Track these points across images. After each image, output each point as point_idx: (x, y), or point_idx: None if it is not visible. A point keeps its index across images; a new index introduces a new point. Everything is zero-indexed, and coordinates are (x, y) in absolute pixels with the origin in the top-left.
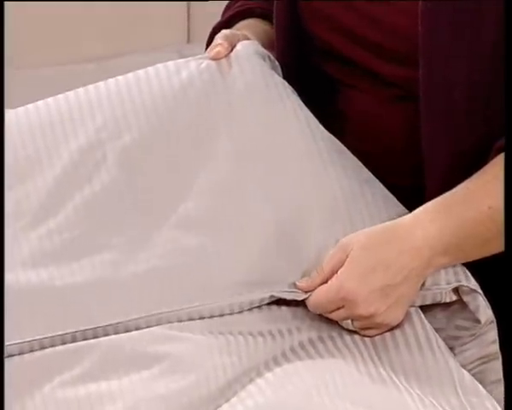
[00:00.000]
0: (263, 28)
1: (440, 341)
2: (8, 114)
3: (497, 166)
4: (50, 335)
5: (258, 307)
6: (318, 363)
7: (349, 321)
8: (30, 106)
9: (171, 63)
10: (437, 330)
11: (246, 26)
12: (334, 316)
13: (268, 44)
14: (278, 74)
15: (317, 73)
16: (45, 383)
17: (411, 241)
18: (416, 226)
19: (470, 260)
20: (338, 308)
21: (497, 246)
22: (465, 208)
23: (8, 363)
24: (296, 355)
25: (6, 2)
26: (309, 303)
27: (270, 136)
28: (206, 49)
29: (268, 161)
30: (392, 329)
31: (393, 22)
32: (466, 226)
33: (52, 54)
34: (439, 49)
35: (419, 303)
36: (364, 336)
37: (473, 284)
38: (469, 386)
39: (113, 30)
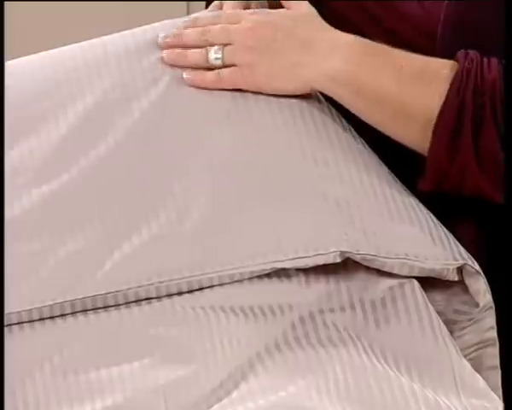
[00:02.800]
0: None
1: (443, 326)
2: (12, 63)
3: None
4: (48, 303)
5: (259, 276)
6: (320, 352)
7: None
8: (34, 57)
9: (179, 22)
10: (437, 313)
11: None
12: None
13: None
14: None
15: None
16: (46, 361)
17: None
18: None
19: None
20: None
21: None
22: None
23: (8, 333)
24: (296, 340)
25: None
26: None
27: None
28: (206, 6)
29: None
30: (396, 307)
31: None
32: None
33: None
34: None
35: (427, 274)
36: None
37: (477, 266)
38: (468, 380)
39: (113, 30)
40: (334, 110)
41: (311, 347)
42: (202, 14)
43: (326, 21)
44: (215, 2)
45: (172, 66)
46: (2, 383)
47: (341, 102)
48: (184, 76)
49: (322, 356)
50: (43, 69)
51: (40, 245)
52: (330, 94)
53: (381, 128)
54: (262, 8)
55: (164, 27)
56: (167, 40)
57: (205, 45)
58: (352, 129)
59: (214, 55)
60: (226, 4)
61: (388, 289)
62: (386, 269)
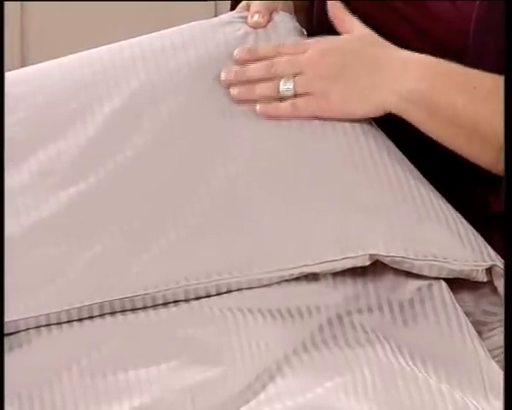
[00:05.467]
0: None
1: (471, 326)
2: (40, 66)
3: None
4: (76, 305)
5: (287, 280)
6: (348, 354)
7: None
8: (62, 60)
9: (206, 24)
10: (465, 314)
11: None
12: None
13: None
14: None
15: None
16: (74, 363)
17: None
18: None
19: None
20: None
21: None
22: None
23: (37, 335)
24: (324, 341)
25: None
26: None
27: None
28: (232, 7)
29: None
30: (424, 308)
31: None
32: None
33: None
34: (489, 49)
35: (456, 275)
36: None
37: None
38: (497, 382)
39: (142, 30)
40: None
41: (338, 348)
42: (260, 46)
43: None
44: (242, 4)
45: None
46: (3, 383)
47: (413, 123)
48: (258, 108)
49: (349, 357)
50: (71, 72)
51: (68, 247)
52: (403, 115)
53: (454, 148)
54: (288, 8)
55: (192, 30)
56: (230, 78)
57: (272, 78)
58: (379, 129)
59: (284, 85)
60: (253, 5)
61: (416, 290)
62: (414, 271)
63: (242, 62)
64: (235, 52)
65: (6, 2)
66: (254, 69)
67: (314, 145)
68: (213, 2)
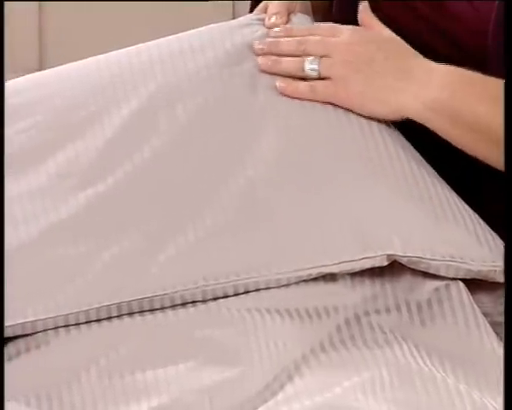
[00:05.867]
0: None
1: (489, 327)
2: (59, 69)
3: None
4: (95, 306)
5: (305, 281)
6: (366, 354)
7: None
8: (80, 63)
9: (224, 26)
10: (483, 315)
11: None
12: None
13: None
14: None
15: None
16: (92, 364)
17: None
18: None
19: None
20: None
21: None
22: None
23: (55, 336)
24: (342, 342)
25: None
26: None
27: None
28: (251, 9)
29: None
30: (442, 308)
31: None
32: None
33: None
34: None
35: (474, 276)
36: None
37: None
38: None
39: (160, 31)
40: None
41: (356, 348)
42: (296, 26)
43: None
44: (260, 6)
45: (265, 72)
46: (3, 383)
47: (435, 131)
48: (277, 84)
49: (367, 357)
50: (89, 75)
51: (86, 248)
52: (424, 122)
53: (476, 154)
54: (306, 8)
55: (210, 32)
56: (262, 46)
57: (301, 55)
58: (396, 129)
59: (310, 65)
60: (271, 6)
61: (434, 290)
62: (431, 271)
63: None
64: (272, 31)
65: (24, 2)
66: (286, 43)
67: (330, 146)
68: (231, 1)
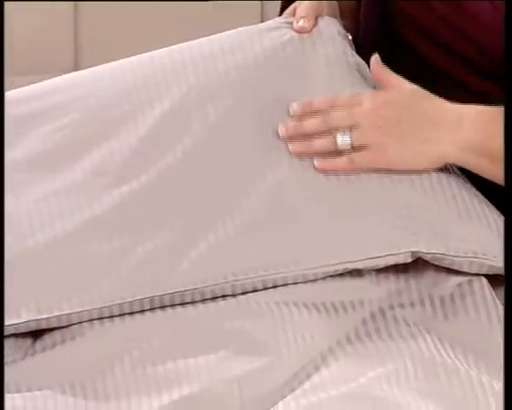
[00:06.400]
0: None
1: None
2: (94, 70)
3: None
4: (128, 300)
5: (332, 276)
6: (391, 346)
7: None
8: (113, 64)
9: (253, 29)
10: None
11: None
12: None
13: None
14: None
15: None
16: (126, 355)
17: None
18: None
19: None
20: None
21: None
22: None
23: (90, 328)
24: (367, 335)
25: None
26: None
27: None
28: (281, 10)
29: None
30: (464, 303)
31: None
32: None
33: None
34: None
35: (496, 272)
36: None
37: None
38: None
39: (190, 31)
40: None
41: (381, 341)
42: (315, 99)
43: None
44: (288, 10)
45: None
46: (2, 383)
47: (476, 171)
48: (315, 164)
49: (392, 350)
50: (123, 75)
51: (120, 244)
52: (464, 165)
53: None
54: (333, 10)
55: (239, 35)
56: (288, 132)
57: (327, 131)
58: None
59: (342, 138)
60: (299, 9)
61: (457, 285)
62: (455, 267)
63: (298, 116)
64: (291, 108)
65: (59, 2)
66: (311, 124)
67: None
68: (260, 2)
